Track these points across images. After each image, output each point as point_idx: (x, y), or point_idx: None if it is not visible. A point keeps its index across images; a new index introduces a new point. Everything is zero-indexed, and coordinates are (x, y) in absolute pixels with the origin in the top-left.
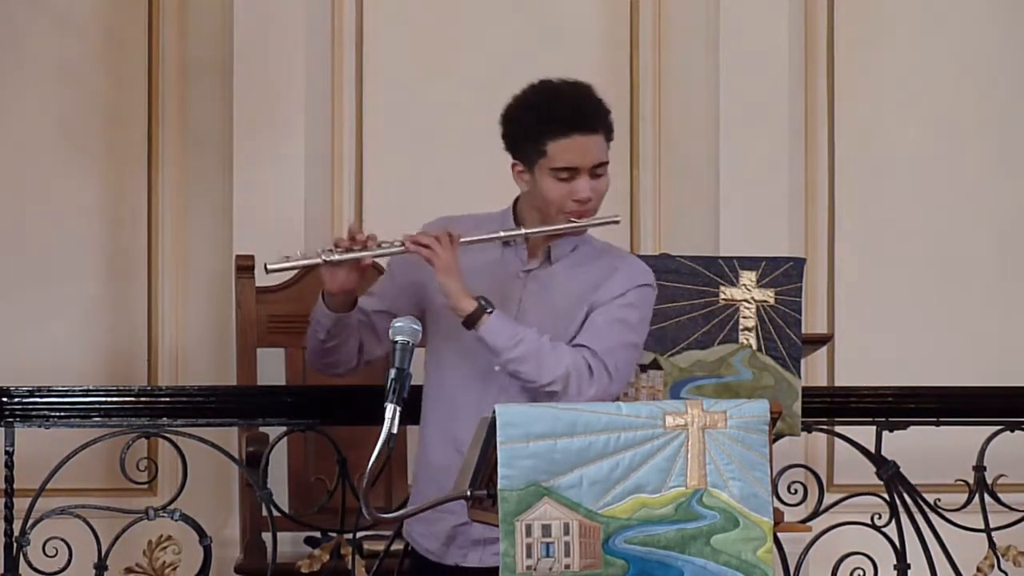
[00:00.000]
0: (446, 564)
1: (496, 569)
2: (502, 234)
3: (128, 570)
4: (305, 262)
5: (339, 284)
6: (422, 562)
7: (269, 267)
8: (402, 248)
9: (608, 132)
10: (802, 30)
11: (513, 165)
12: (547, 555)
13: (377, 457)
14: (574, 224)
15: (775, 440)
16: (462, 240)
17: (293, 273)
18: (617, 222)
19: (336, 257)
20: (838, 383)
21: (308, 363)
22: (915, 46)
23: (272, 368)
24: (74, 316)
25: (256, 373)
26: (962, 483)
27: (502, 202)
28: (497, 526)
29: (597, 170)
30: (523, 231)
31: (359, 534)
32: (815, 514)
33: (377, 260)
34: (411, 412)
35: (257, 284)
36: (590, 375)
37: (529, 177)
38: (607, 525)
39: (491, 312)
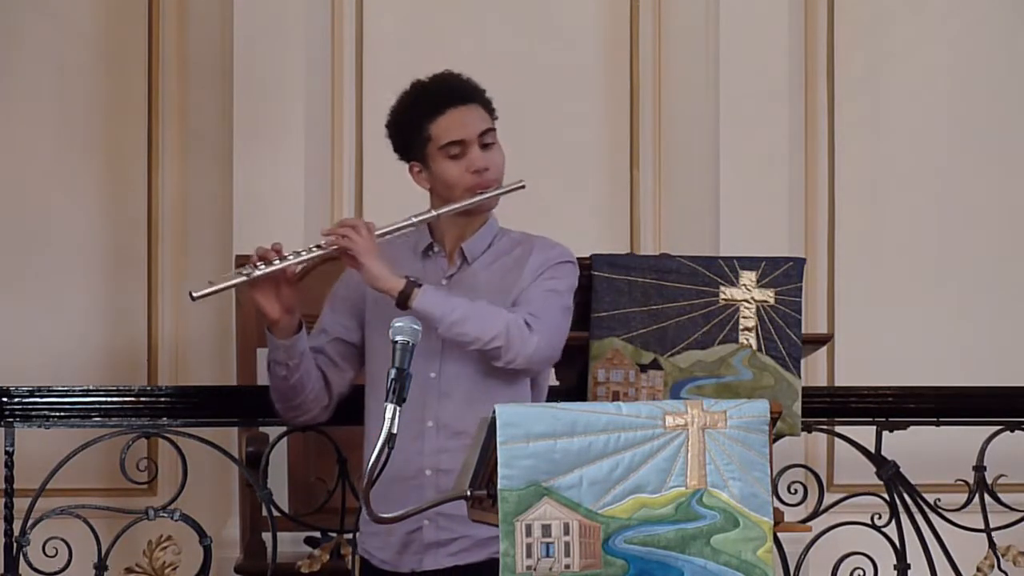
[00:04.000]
0: (402, 572)
1: (450, 570)
2: (414, 220)
3: (128, 570)
4: (230, 283)
5: (277, 308)
6: (377, 573)
7: (194, 295)
8: (320, 249)
9: (485, 103)
10: (802, 30)
11: (410, 169)
12: (547, 555)
13: (377, 457)
14: (480, 196)
15: (775, 440)
16: (377, 232)
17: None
18: (523, 187)
19: (258, 272)
20: (838, 383)
21: (280, 413)
22: (915, 46)
23: None
24: (74, 316)
25: (256, 373)
26: (962, 483)
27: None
28: (497, 526)
29: (485, 139)
30: (433, 212)
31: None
32: (815, 514)
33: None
34: None
35: None
36: (530, 329)
37: (427, 173)
38: (607, 525)
39: (421, 286)
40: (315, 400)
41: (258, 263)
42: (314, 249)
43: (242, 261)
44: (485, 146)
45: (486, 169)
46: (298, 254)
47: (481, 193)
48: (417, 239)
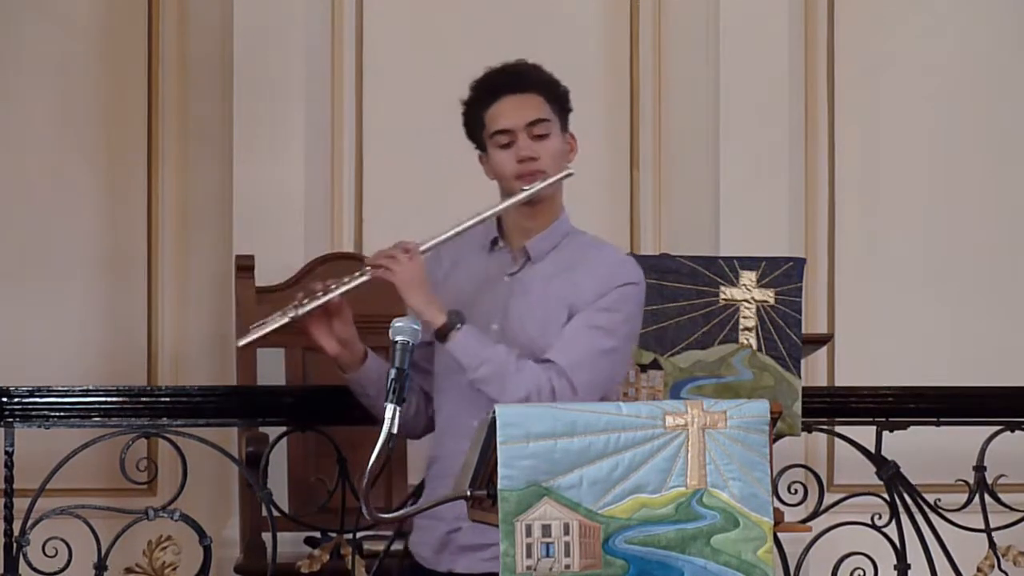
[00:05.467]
0: (439, 571)
1: (484, 575)
2: (460, 228)
3: (128, 570)
4: (274, 325)
5: (333, 342)
6: (419, 569)
7: (240, 343)
8: (363, 276)
9: (549, 94)
10: (802, 30)
11: (479, 158)
12: (547, 555)
13: (377, 457)
14: (526, 192)
15: (775, 440)
16: (423, 247)
17: (294, 272)
18: (570, 174)
19: (303, 310)
20: (838, 383)
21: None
22: (915, 46)
23: (272, 368)
24: (74, 316)
25: (256, 373)
26: (962, 483)
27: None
28: (497, 526)
29: (536, 129)
30: (479, 216)
31: (359, 534)
32: (815, 514)
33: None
34: None
35: (257, 284)
36: (552, 396)
37: (488, 163)
38: (607, 525)
39: (460, 328)
40: (418, 414)
41: (304, 300)
42: (357, 277)
43: (242, 262)
44: (536, 136)
45: (532, 159)
46: (341, 284)
47: (525, 189)
48: (485, 232)
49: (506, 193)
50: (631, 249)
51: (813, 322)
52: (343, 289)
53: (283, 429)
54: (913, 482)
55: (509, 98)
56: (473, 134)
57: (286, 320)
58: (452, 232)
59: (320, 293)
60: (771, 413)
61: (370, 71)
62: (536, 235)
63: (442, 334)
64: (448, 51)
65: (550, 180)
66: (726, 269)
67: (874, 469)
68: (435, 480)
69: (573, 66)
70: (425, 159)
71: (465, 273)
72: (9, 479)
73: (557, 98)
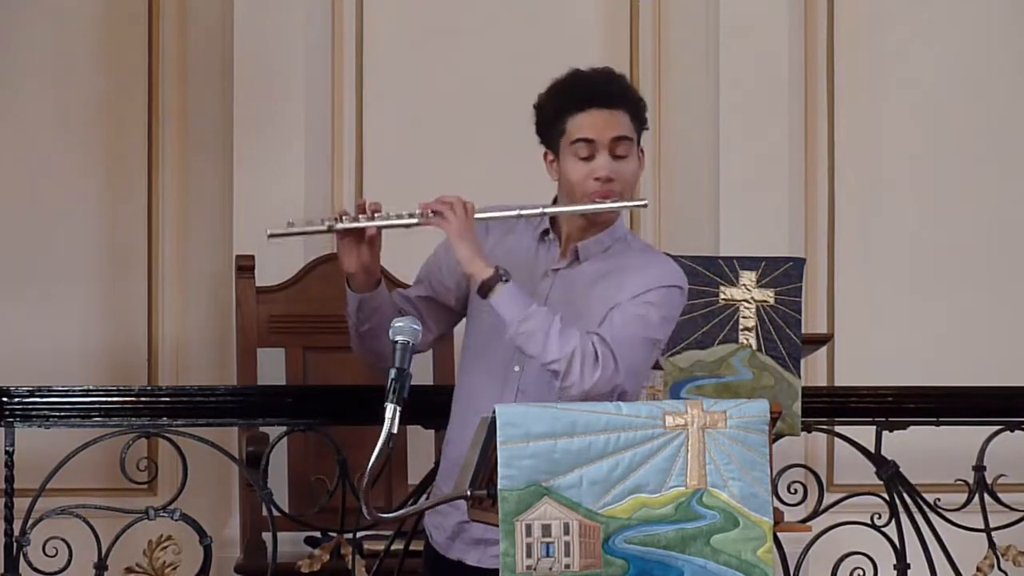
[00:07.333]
0: (450, 558)
1: (494, 571)
2: (518, 212)
3: (128, 570)
4: (309, 228)
5: (354, 263)
6: (433, 553)
7: (271, 232)
8: (412, 219)
9: (634, 112)
10: (802, 30)
11: (544, 155)
12: (547, 555)
13: (377, 457)
14: (597, 205)
15: (775, 440)
16: (478, 215)
17: (294, 272)
18: (644, 205)
19: (340, 226)
20: (838, 383)
21: (356, 355)
22: (915, 46)
23: (272, 368)
24: (74, 316)
25: (256, 373)
26: (962, 483)
27: (502, 202)
28: (497, 526)
29: (618, 149)
30: (541, 209)
31: (359, 534)
32: (815, 514)
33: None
34: (412, 412)
35: (257, 284)
36: (595, 360)
37: (557, 164)
38: (607, 525)
39: (507, 282)
40: (387, 352)
41: (345, 218)
42: (405, 217)
43: (242, 262)
44: (617, 156)
45: (609, 179)
46: (387, 217)
47: (598, 202)
48: (538, 221)
49: (568, 199)
50: None
51: (813, 322)
52: (386, 224)
53: (283, 429)
54: (913, 482)
55: (596, 111)
56: (546, 134)
57: (323, 228)
58: (509, 214)
59: (364, 218)
60: (771, 413)
61: (370, 71)
62: (590, 236)
63: (487, 287)
64: (448, 51)
65: (623, 204)
66: (726, 269)
67: (874, 469)
68: (449, 463)
69: (573, 66)
70: (425, 159)
71: (513, 251)
72: (9, 479)
73: (640, 117)
